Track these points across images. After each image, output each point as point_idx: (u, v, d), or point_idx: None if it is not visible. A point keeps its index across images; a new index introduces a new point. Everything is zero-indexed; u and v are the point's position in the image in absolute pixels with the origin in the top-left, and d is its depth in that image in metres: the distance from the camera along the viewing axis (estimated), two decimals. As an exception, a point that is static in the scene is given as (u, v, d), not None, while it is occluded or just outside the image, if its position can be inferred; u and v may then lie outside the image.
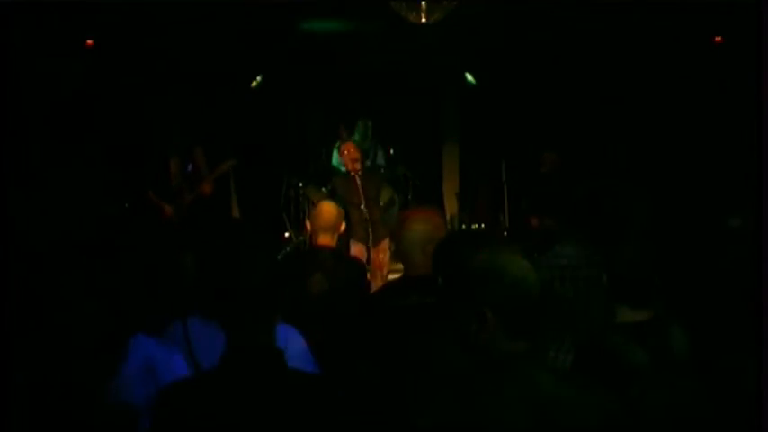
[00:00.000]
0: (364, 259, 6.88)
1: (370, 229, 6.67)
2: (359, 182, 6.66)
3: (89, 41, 7.42)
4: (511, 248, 1.68)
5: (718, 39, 7.68)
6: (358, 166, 6.70)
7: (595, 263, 3.14)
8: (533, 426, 1.56)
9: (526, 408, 1.58)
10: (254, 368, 1.88)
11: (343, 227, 3.95)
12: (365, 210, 6.67)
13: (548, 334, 3.52)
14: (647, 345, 2.37)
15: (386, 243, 6.82)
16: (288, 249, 8.26)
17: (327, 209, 3.94)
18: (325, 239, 3.84)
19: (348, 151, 6.72)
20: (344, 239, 6.95)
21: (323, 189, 8.60)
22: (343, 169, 8.82)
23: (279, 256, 7.16)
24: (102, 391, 2.12)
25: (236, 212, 9.01)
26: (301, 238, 8.13)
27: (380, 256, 6.78)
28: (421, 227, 2.79)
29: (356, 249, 6.82)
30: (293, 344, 2.53)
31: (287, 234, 8.60)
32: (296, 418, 1.85)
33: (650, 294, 2.50)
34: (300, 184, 8.62)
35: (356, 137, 8.74)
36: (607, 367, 2.34)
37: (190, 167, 6.84)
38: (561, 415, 1.57)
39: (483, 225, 8.77)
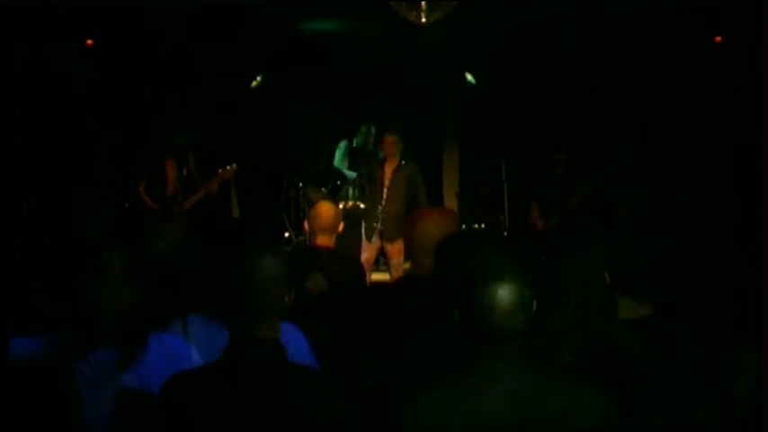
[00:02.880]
0: (374, 257, 6.87)
1: (380, 224, 6.68)
2: (387, 171, 6.70)
3: (89, 41, 7.42)
4: (509, 250, 1.68)
5: (718, 39, 7.68)
6: (390, 150, 6.72)
7: (595, 260, 3.14)
8: (525, 426, 1.55)
9: (519, 408, 1.57)
10: (257, 362, 1.90)
11: (341, 227, 3.94)
12: (384, 201, 6.67)
13: (548, 332, 3.53)
14: (649, 341, 2.38)
15: (400, 242, 6.70)
16: (287, 249, 8.25)
17: (326, 209, 3.94)
18: (324, 240, 3.84)
19: (388, 138, 6.80)
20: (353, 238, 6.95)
21: (323, 189, 8.60)
22: (344, 170, 8.85)
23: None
24: (119, 378, 2.15)
25: (236, 212, 9.01)
26: (301, 237, 8.13)
27: (390, 248, 6.75)
28: (432, 228, 2.81)
29: (364, 249, 6.80)
30: (293, 342, 2.53)
31: (287, 234, 8.60)
32: (297, 412, 1.86)
33: (651, 289, 2.51)
34: (300, 184, 8.62)
35: (358, 140, 8.74)
36: (610, 364, 2.34)
37: (185, 172, 6.86)
38: (555, 415, 1.57)
39: (483, 225, 8.77)
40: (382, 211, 6.73)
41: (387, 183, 6.75)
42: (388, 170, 6.80)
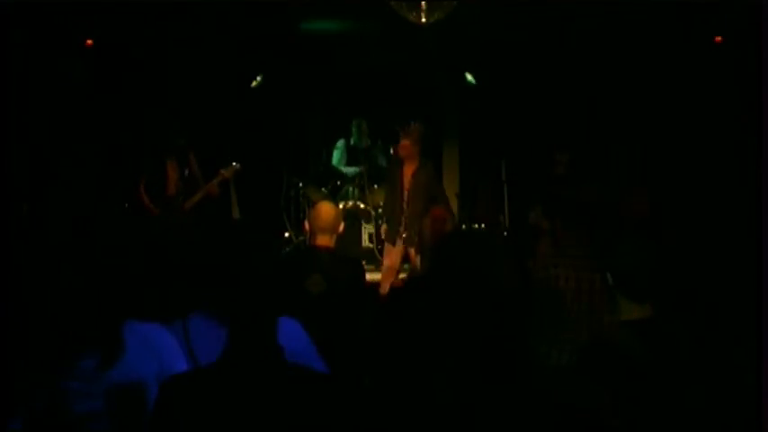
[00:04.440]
0: (398, 262, 6.69)
1: (404, 228, 6.55)
2: (407, 173, 6.54)
3: (89, 41, 7.42)
4: (507, 250, 1.68)
5: (718, 39, 7.68)
6: (406, 153, 6.52)
7: (596, 261, 3.15)
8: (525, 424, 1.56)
9: (517, 410, 1.58)
10: (254, 363, 1.91)
11: (342, 227, 3.93)
12: (406, 205, 6.52)
13: (547, 333, 3.53)
14: (649, 342, 2.39)
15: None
16: (288, 249, 8.25)
17: (326, 209, 3.93)
18: (324, 240, 3.83)
19: (402, 142, 6.58)
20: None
21: (323, 189, 8.61)
22: (343, 170, 8.87)
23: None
24: (105, 376, 2.16)
25: (236, 212, 9.01)
26: (301, 237, 8.14)
27: (413, 251, 6.52)
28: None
29: (387, 254, 6.67)
30: (296, 339, 2.53)
31: (287, 234, 8.61)
32: (294, 413, 1.86)
33: (652, 290, 2.51)
34: (300, 184, 8.63)
35: (354, 138, 8.75)
36: (611, 364, 2.34)
37: (187, 172, 6.87)
38: (553, 415, 1.57)
39: (483, 225, 8.77)
40: (406, 214, 6.56)
41: (407, 185, 6.56)
42: (408, 171, 6.57)
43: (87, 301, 2.23)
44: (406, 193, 6.58)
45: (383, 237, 6.84)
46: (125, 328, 2.27)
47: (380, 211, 7.78)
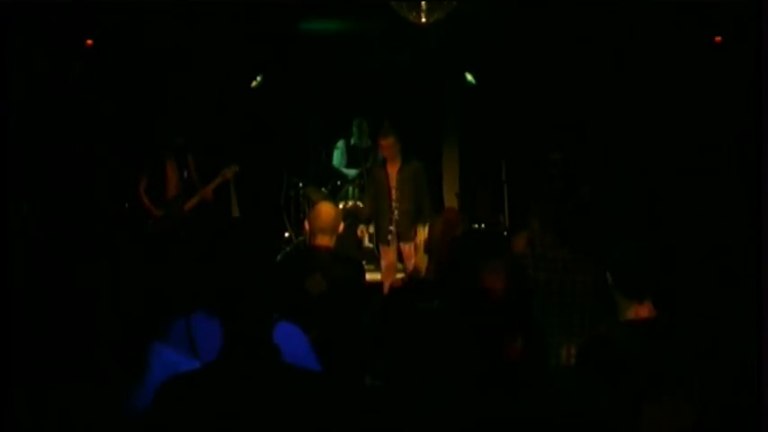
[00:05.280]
0: (394, 261, 6.78)
1: (394, 226, 6.61)
2: (391, 172, 6.62)
3: (89, 41, 7.42)
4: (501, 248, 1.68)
5: (718, 39, 7.68)
6: (390, 153, 6.62)
7: (595, 261, 3.15)
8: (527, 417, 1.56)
9: (519, 410, 1.58)
10: (249, 363, 1.91)
11: (341, 227, 3.93)
12: (395, 203, 6.59)
13: (548, 332, 3.53)
14: (651, 341, 2.39)
15: (414, 243, 6.62)
16: (288, 249, 8.26)
17: (326, 209, 3.93)
18: (324, 240, 3.83)
19: (383, 142, 6.68)
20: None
21: (323, 189, 8.61)
22: (343, 170, 8.88)
23: (279, 256, 7.18)
24: (122, 399, 2.14)
25: (236, 212, 9.01)
26: (301, 237, 8.14)
27: (408, 249, 6.66)
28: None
29: (384, 255, 6.75)
30: (295, 342, 2.53)
31: (287, 234, 8.61)
32: (289, 413, 1.87)
33: (653, 290, 2.52)
34: (300, 184, 8.63)
35: (354, 138, 8.76)
36: (612, 364, 2.35)
37: (186, 174, 6.87)
38: (558, 415, 1.57)
39: (483, 225, 8.76)
40: (396, 212, 6.62)
41: (394, 183, 6.63)
42: (392, 171, 6.66)
43: (97, 304, 2.22)
44: (393, 191, 6.64)
45: (360, 234, 7.02)
46: (154, 354, 2.25)
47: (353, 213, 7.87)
